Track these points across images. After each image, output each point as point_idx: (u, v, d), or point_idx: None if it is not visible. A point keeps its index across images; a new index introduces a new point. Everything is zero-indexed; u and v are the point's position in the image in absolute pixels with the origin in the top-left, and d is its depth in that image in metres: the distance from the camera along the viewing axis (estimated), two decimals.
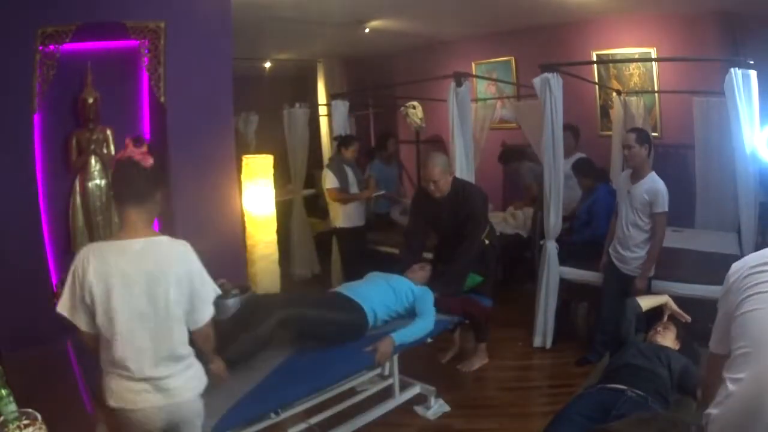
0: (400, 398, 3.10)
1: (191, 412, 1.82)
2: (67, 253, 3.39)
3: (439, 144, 6.25)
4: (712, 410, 1.31)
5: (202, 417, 1.86)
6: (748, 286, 1.33)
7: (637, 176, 3.42)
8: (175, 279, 1.75)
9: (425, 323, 2.87)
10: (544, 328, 3.92)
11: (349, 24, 5.44)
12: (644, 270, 3.37)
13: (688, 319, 2.68)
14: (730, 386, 1.28)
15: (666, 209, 3.33)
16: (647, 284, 3.38)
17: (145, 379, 1.71)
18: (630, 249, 3.43)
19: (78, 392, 1.87)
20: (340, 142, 4.89)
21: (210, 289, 1.87)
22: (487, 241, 3.52)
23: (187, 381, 1.80)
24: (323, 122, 6.40)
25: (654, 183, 3.35)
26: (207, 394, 1.84)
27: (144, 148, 1.77)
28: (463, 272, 3.32)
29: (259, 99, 6.29)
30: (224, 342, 2.16)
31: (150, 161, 1.76)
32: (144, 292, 1.71)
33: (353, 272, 4.01)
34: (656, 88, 5.40)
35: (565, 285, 3.94)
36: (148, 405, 1.71)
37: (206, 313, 1.86)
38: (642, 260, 3.39)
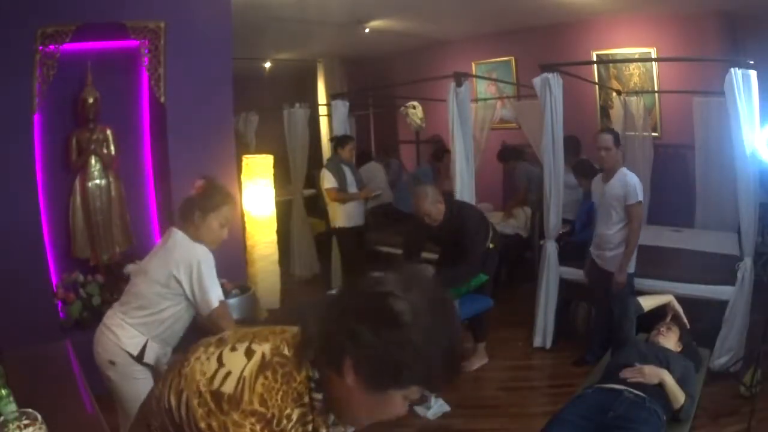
0: None
1: None
2: (67, 253, 3.39)
3: (439, 144, 6.25)
4: None
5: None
6: None
7: (608, 176, 3.44)
8: None
9: None
10: (544, 328, 3.91)
11: (349, 24, 5.44)
12: (622, 263, 3.34)
13: (687, 324, 2.67)
14: None
15: (640, 199, 3.29)
16: (626, 278, 3.33)
17: None
18: (610, 248, 3.42)
19: (78, 392, 1.87)
20: (336, 142, 4.89)
21: None
22: (491, 245, 3.52)
23: None
24: (323, 122, 6.40)
25: (625, 176, 3.35)
26: None
27: (199, 182, 2.14)
28: (456, 281, 3.26)
29: (259, 99, 6.30)
30: None
31: (194, 191, 2.11)
32: None
33: (353, 272, 4.01)
34: (656, 88, 5.40)
35: (565, 285, 3.93)
36: None
37: None
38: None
